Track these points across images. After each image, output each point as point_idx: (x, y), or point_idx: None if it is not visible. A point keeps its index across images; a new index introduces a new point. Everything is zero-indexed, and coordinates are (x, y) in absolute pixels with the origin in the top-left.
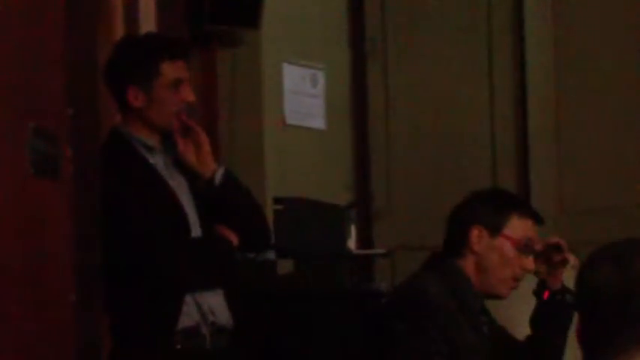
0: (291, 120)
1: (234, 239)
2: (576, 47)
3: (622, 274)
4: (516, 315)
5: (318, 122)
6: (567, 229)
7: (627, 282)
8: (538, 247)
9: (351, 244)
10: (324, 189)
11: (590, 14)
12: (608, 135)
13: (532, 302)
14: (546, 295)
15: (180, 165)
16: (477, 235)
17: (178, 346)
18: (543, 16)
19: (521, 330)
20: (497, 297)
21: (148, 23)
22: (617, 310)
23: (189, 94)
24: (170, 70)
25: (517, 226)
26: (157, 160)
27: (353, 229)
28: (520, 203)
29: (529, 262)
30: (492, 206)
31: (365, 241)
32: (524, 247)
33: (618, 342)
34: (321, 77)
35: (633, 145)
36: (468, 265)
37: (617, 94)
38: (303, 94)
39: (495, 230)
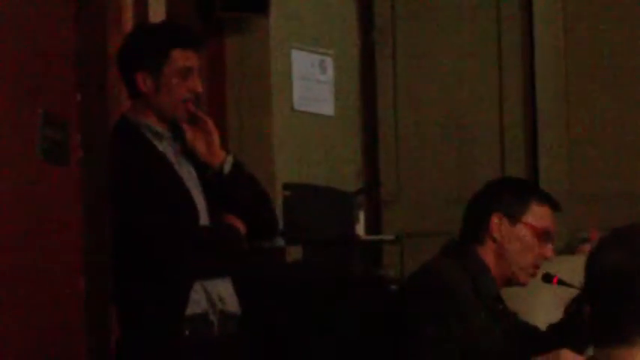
0: (299, 106)
1: (241, 228)
2: (586, 34)
3: (631, 259)
4: (526, 303)
5: (327, 108)
6: (576, 216)
7: (636, 267)
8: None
9: (360, 230)
10: (333, 175)
11: (599, 5)
12: (618, 122)
13: (542, 291)
14: (555, 280)
15: (188, 153)
16: (497, 222)
17: (186, 333)
18: (553, 3)
19: (530, 318)
20: (517, 284)
21: (157, 10)
22: (626, 295)
23: (197, 84)
24: (180, 57)
25: (537, 214)
26: (166, 148)
27: (361, 216)
28: (539, 190)
29: (548, 249)
30: (512, 193)
31: (373, 227)
32: (543, 235)
33: (626, 329)
34: (330, 63)
35: None
36: (488, 252)
37: (627, 82)
38: (312, 81)
39: (515, 218)
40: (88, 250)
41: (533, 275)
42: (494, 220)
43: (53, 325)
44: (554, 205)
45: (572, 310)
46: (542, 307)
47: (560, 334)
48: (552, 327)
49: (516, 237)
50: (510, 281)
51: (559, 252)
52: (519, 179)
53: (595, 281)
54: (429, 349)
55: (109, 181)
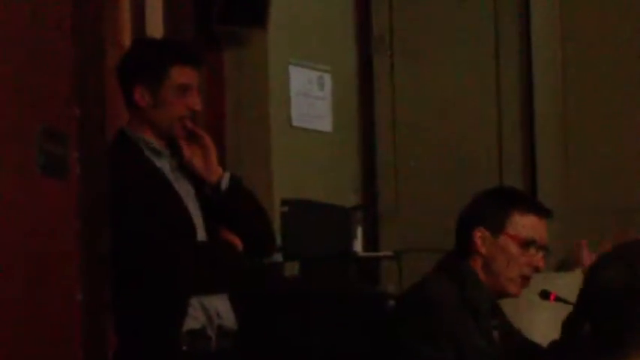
0: (297, 122)
1: (238, 244)
2: (583, 48)
3: (631, 276)
4: (525, 321)
5: (325, 124)
6: (574, 230)
7: (636, 283)
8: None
9: (358, 246)
10: (331, 191)
11: (597, 13)
12: (615, 137)
13: (540, 307)
14: (553, 297)
15: (186, 169)
16: (480, 237)
17: (184, 348)
18: (550, 16)
19: (529, 335)
20: (509, 296)
21: (155, 25)
22: (626, 311)
23: (195, 102)
24: (179, 74)
25: (519, 224)
26: (164, 164)
27: (359, 231)
28: (521, 199)
29: (538, 259)
30: (492, 206)
31: (371, 243)
32: (528, 244)
33: (626, 346)
34: (327, 79)
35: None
36: (477, 266)
37: (625, 95)
38: (310, 97)
39: (497, 230)
40: (86, 263)
41: (523, 285)
42: (477, 234)
43: (49, 338)
44: (540, 213)
45: (569, 327)
46: (542, 323)
47: (559, 350)
48: (552, 343)
49: (500, 249)
50: (502, 293)
51: (556, 268)
52: (502, 190)
53: (595, 298)
54: None
55: (107, 195)
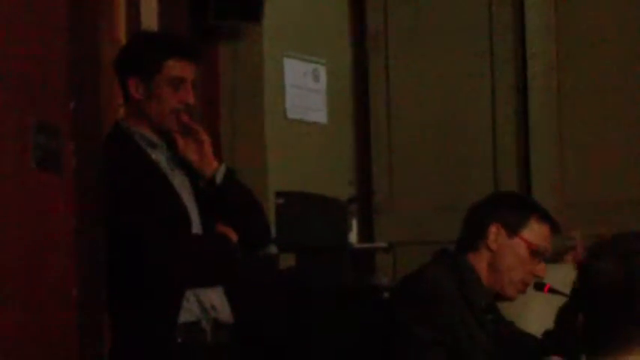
0: (292, 114)
1: (233, 237)
2: (578, 42)
3: (626, 270)
4: (519, 311)
5: (320, 116)
6: (568, 224)
7: (631, 278)
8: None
9: (352, 238)
10: (326, 183)
11: (593, 9)
12: (610, 130)
13: (536, 300)
14: (547, 289)
15: (182, 161)
16: (495, 232)
17: (179, 340)
18: (545, 11)
19: (523, 327)
20: (504, 298)
21: (150, 19)
22: (620, 306)
23: (189, 96)
24: (174, 67)
25: (535, 231)
26: (159, 156)
27: (354, 223)
28: (541, 209)
29: (541, 268)
30: (514, 206)
31: (366, 235)
32: (537, 252)
33: (621, 339)
34: (322, 72)
35: (635, 140)
36: (481, 261)
37: (619, 90)
38: (305, 89)
39: (513, 230)
40: (81, 258)
41: (521, 291)
42: (493, 229)
43: (45, 335)
44: (553, 226)
45: (563, 318)
46: (535, 315)
47: (553, 341)
48: (546, 334)
49: (511, 249)
50: (498, 294)
51: (549, 260)
52: (524, 195)
53: (589, 290)
54: (420, 350)
55: (102, 188)
